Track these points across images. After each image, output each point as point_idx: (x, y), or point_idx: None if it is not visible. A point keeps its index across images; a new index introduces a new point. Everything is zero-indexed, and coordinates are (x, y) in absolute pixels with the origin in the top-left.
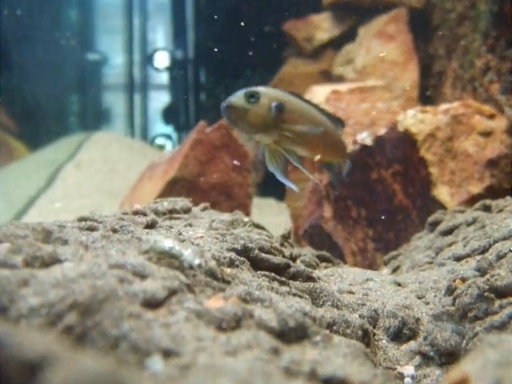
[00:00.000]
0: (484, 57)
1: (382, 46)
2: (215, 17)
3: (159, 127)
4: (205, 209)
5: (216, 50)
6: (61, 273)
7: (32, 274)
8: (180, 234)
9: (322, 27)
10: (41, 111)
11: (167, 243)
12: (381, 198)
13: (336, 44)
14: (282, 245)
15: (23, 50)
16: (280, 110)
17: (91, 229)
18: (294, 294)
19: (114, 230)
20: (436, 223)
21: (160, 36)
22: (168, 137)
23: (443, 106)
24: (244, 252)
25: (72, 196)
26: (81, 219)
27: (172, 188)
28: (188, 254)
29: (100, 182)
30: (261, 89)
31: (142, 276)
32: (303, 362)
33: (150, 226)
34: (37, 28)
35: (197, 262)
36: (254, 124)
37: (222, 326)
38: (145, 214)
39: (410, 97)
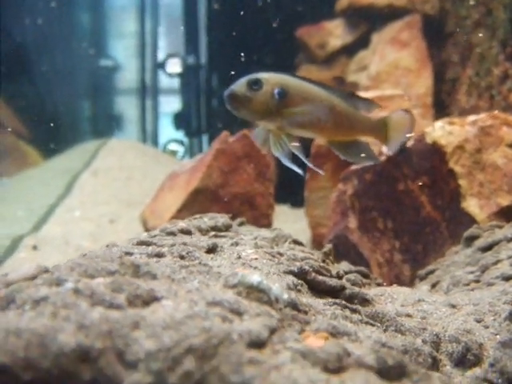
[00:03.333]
0: (502, 65)
1: (395, 53)
2: (227, 23)
3: (170, 133)
4: (241, 224)
5: (228, 55)
6: (166, 314)
7: (140, 315)
8: (239, 257)
9: (335, 34)
10: (54, 117)
11: (255, 278)
12: (408, 209)
13: (349, 50)
14: (323, 261)
15: (36, 56)
16: (283, 96)
17: (159, 255)
18: (366, 323)
19: (182, 257)
20: (472, 238)
21: (172, 42)
22: (180, 142)
23: (470, 118)
24: (301, 274)
25: (90, 204)
26: (141, 243)
27: (195, 198)
28: (276, 288)
29: (117, 190)
30: (263, 75)
31: (239, 313)
32: None
33: (212, 250)
34: (49, 35)
35: (285, 296)
36: (258, 111)
37: (328, 367)
38: (190, 233)
39: (425, 103)
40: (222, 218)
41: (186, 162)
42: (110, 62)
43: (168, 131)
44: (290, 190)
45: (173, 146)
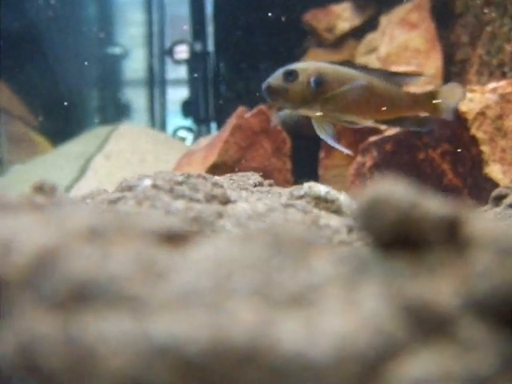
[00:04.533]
0: None
1: (405, 34)
2: (235, 8)
3: (177, 121)
4: (270, 185)
5: (235, 41)
6: (246, 209)
7: (221, 208)
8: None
9: (343, 17)
10: (62, 105)
11: (322, 188)
12: (429, 178)
13: (357, 33)
14: None
15: (44, 43)
16: (319, 84)
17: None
18: None
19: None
20: (501, 197)
21: (179, 28)
22: (189, 129)
23: (490, 85)
24: None
25: (105, 186)
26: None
27: (213, 173)
28: (343, 198)
29: (131, 172)
30: (299, 65)
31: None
32: None
33: (259, 185)
34: (57, 22)
35: (354, 206)
36: (295, 101)
37: None
38: (222, 186)
39: (435, 85)
40: (252, 176)
41: (202, 139)
42: (118, 49)
43: (177, 119)
44: (302, 171)
45: (182, 133)
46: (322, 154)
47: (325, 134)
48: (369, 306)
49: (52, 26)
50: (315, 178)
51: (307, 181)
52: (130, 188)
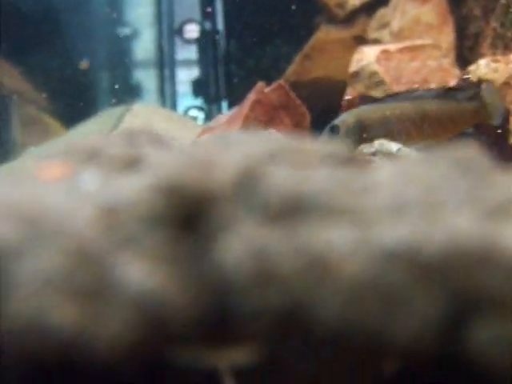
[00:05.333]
0: None
1: (416, 9)
2: None
3: (187, 101)
4: None
5: (246, 19)
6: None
7: None
8: None
9: None
10: (74, 87)
11: (394, 145)
12: None
13: (369, 9)
14: None
15: (55, 24)
16: (359, 129)
17: None
18: None
19: None
20: None
21: (188, 7)
22: (200, 108)
23: None
24: None
25: None
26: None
27: None
28: (414, 155)
29: None
30: (341, 118)
31: None
32: None
33: None
34: (67, 1)
35: None
36: None
37: None
38: None
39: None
40: None
41: (221, 116)
42: (128, 29)
43: (185, 101)
44: None
45: (193, 112)
46: None
47: None
48: None
49: (62, 5)
50: None
51: None
52: None
